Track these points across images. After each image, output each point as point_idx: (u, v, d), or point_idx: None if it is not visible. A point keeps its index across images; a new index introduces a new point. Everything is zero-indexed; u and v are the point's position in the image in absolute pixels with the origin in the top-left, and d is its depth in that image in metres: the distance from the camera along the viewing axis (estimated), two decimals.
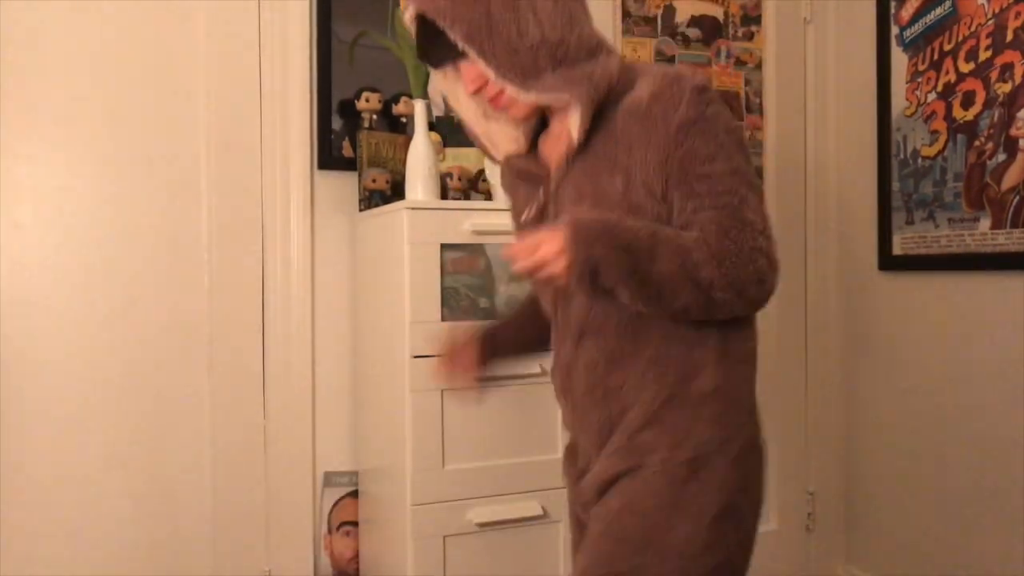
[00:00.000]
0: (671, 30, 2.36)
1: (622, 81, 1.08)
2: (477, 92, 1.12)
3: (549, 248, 0.97)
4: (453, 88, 1.18)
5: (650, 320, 1.08)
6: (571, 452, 1.25)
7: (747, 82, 2.46)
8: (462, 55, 1.10)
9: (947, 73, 2.07)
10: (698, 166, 1.03)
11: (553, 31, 1.06)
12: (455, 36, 1.04)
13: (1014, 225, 1.89)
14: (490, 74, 1.06)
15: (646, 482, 1.08)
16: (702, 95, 1.04)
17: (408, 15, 1.12)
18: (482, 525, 1.66)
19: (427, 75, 1.77)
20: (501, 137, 1.19)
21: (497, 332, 1.35)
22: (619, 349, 1.10)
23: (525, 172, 1.19)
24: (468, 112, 1.18)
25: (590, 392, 1.13)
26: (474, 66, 1.09)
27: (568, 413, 1.20)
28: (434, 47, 1.14)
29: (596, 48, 1.10)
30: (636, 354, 1.09)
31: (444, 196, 1.88)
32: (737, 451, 1.09)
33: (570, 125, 1.09)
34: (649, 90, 1.06)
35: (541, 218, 1.15)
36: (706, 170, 1.03)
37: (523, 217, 1.20)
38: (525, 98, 1.07)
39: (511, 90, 1.07)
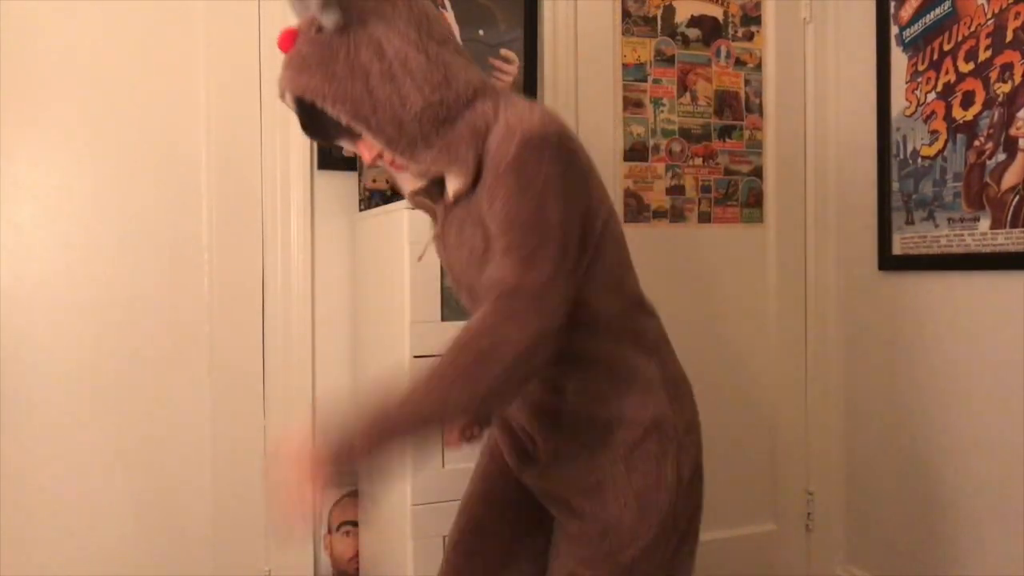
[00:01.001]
0: (671, 30, 2.36)
1: (490, 127, 1.06)
2: (374, 162, 1.15)
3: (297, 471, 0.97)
4: (350, 148, 1.23)
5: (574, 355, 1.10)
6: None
7: (747, 82, 2.46)
8: (349, 130, 1.13)
9: (947, 73, 2.07)
10: (496, 209, 1.02)
11: (433, 92, 1.05)
12: (340, 116, 1.03)
13: (1014, 225, 1.89)
14: (380, 147, 1.08)
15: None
16: (526, 145, 1.01)
17: (287, 98, 1.10)
18: None
19: None
20: (404, 181, 1.22)
21: None
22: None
23: (422, 207, 1.21)
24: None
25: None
26: (365, 140, 1.12)
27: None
28: (319, 124, 1.16)
29: (473, 96, 1.07)
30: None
31: None
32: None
33: (448, 187, 1.12)
34: (496, 140, 1.03)
35: (440, 249, 1.19)
36: (498, 214, 1.01)
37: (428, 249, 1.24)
38: (415, 170, 1.11)
39: (400, 160, 1.08)
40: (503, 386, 0.97)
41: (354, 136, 1.17)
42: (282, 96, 1.10)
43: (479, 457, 1.38)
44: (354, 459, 0.96)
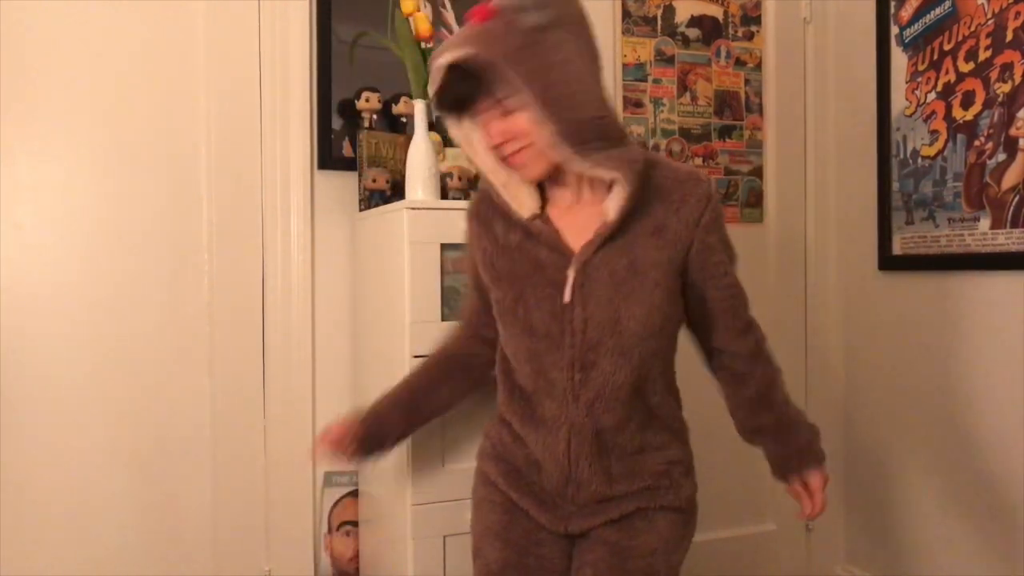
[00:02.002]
0: (671, 30, 2.36)
1: (646, 169, 1.16)
2: (498, 147, 1.14)
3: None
4: (468, 137, 1.21)
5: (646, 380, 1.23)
6: (520, 468, 1.29)
7: (747, 82, 2.46)
8: (486, 107, 1.13)
9: (947, 73, 2.07)
10: (715, 260, 1.25)
11: (602, 110, 1.14)
12: (525, 91, 1.07)
13: (1014, 225, 1.89)
14: (545, 131, 1.09)
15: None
16: (714, 202, 1.22)
17: (445, 59, 1.13)
18: None
19: (427, 75, 1.77)
20: (521, 192, 1.22)
21: (383, 417, 1.40)
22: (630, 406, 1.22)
23: (548, 242, 1.21)
24: (486, 162, 1.21)
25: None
26: (501, 121, 1.13)
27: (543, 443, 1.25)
28: (454, 97, 1.17)
29: (623, 134, 1.17)
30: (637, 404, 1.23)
31: (444, 196, 1.88)
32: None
33: (608, 205, 1.15)
34: (673, 178, 1.19)
35: (573, 295, 1.18)
36: (721, 266, 1.27)
37: (551, 297, 1.20)
38: (578, 166, 1.12)
39: (562, 153, 1.10)
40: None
41: (486, 114, 1.16)
42: (438, 58, 1.13)
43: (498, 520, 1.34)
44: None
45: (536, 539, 1.27)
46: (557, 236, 1.20)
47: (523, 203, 1.22)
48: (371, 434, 1.38)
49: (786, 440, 1.33)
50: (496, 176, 1.22)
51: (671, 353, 1.29)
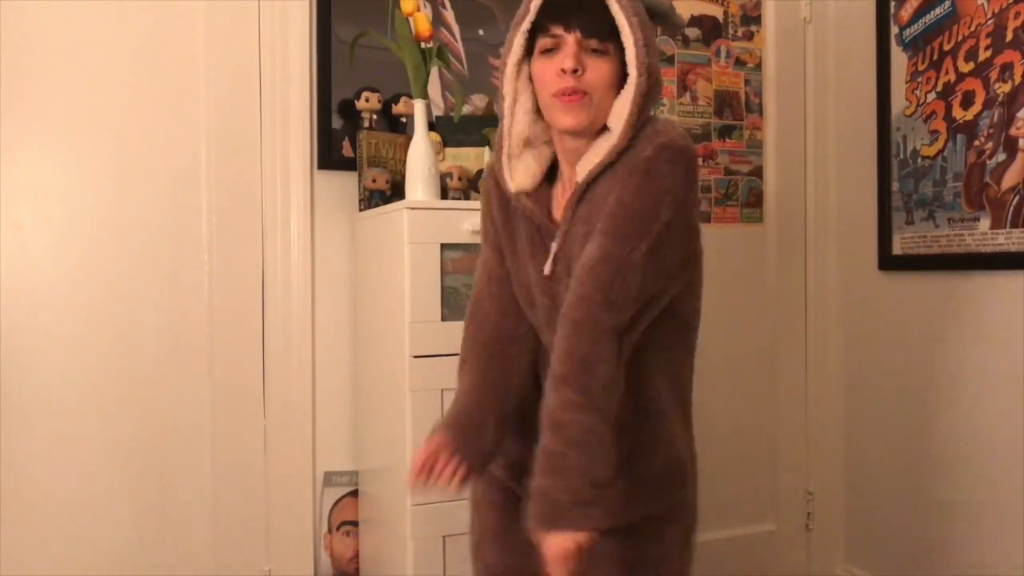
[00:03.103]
0: (671, 30, 2.36)
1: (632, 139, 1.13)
2: (571, 72, 1.11)
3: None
4: (516, 91, 1.19)
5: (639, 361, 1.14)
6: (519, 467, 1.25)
7: (747, 82, 2.46)
8: (573, 40, 1.12)
9: (947, 73, 2.07)
10: (613, 204, 1.09)
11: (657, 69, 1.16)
12: (634, 30, 1.10)
13: (1014, 225, 1.89)
14: (634, 60, 1.10)
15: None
16: (664, 151, 1.09)
17: None
18: None
19: (427, 75, 1.77)
20: (520, 166, 1.21)
21: (470, 430, 1.23)
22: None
23: (533, 217, 1.21)
24: (520, 122, 1.20)
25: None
26: (586, 56, 1.11)
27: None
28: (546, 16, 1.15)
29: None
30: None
31: (444, 196, 1.88)
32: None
33: (579, 167, 1.15)
34: (644, 153, 1.10)
35: (554, 267, 1.18)
36: (613, 209, 1.09)
37: (541, 269, 1.20)
38: (628, 106, 1.10)
39: (639, 88, 1.10)
40: (594, 387, 1.05)
41: (569, 45, 1.13)
42: None
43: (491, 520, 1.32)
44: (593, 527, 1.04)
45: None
46: (542, 211, 1.20)
47: (516, 179, 1.21)
48: (475, 455, 1.24)
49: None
50: (511, 140, 1.20)
51: (670, 340, 1.19)
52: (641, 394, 1.16)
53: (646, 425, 1.18)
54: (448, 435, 1.22)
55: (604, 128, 1.15)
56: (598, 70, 1.12)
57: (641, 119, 1.12)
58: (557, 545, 1.02)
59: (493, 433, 1.24)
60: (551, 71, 1.13)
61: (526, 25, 1.15)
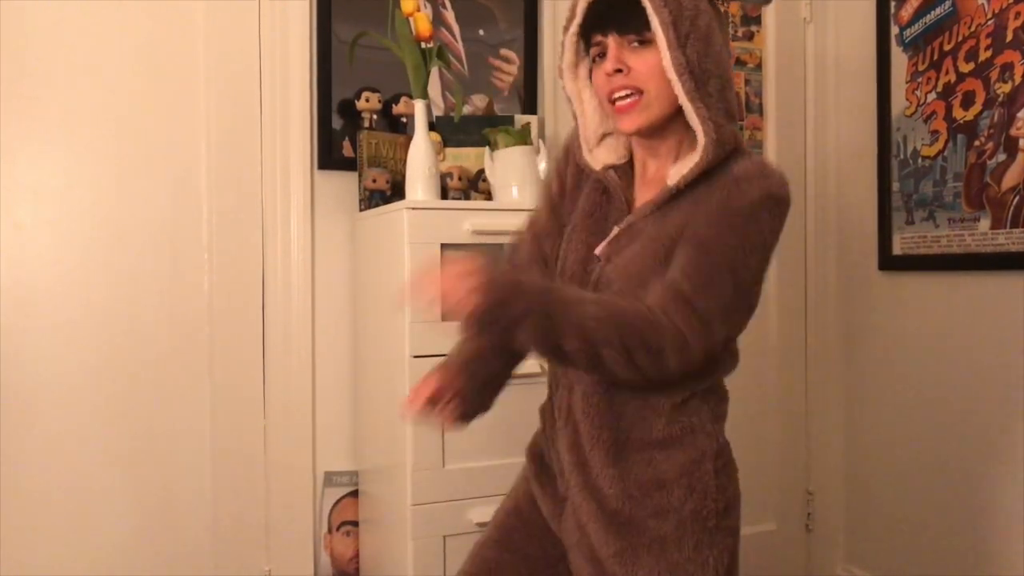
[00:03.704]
0: None
1: (733, 153, 1.12)
2: (612, 76, 1.11)
3: (462, 284, 0.97)
4: (580, 92, 1.20)
5: None
6: (542, 460, 1.27)
7: (747, 82, 2.46)
8: (616, 42, 1.10)
9: (947, 73, 2.07)
10: (704, 239, 1.08)
11: (728, 88, 1.11)
12: (673, 34, 1.06)
13: (1014, 225, 1.89)
14: (669, 62, 1.07)
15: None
16: (770, 200, 1.11)
17: None
18: (482, 525, 1.65)
19: (427, 75, 1.77)
20: (601, 150, 1.21)
21: (480, 377, 1.23)
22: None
23: (614, 192, 1.19)
24: (591, 121, 1.20)
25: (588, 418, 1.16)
26: (629, 52, 1.10)
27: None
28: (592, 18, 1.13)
29: (736, 112, 1.15)
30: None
31: (444, 196, 1.88)
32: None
33: (672, 171, 1.12)
34: (741, 171, 1.10)
35: (605, 249, 1.16)
36: (703, 240, 1.08)
37: (590, 244, 1.18)
38: (686, 104, 1.08)
39: (684, 87, 1.07)
40: (630, 357, 1.02)
41: (615, 46, 1.12)
42: None
43: (504, 503, 1.34)
44: (505, 312, 0.99)
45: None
46: (626, 191, 1.19)
47: (600, 158, 1.21)
48: (477, 386, 1.22)
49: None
50: (592, 136, 1.21)
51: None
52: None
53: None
54: (460, 377, 1.21)
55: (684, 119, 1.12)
56: (644, 61, 1.10)
57: (720, 124, 1.09)
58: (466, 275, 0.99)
59: (501, 382, 1.27)
60: (601, 77, 1.13)
61: (573, 28, 1.16)
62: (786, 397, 2.49)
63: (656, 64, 1.09)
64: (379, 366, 1.85)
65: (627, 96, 1.11)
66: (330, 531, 2.06)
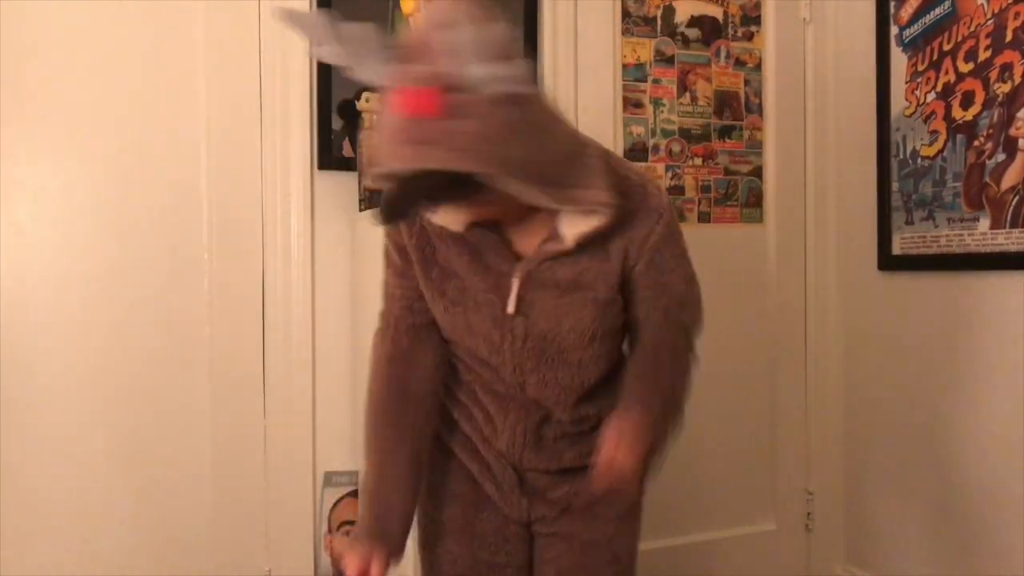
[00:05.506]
0: (671, 30, 2.36)
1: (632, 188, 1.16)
2: (499, 218, 1.12)
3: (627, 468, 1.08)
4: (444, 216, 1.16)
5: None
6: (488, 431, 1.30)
7: (747, 82, 2.46)
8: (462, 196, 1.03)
9: (946, 73, 2.07)
10: (664, 271, 1.20)
11: (570, 149, 1.08)
12: (500, 182, 0.97)
13: (1013, 225, 1.89)
14: (527, 197, 1.01)
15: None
16: (666, 216, 1.18)
17: (397, 166, 0.97)
18: None
19: None
20: (450, 214, 1.14)
21: (391, 524, 1.25)
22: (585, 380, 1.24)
23: (492, 247, 1.16)
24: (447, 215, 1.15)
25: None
26: (476, 204, 1.05)
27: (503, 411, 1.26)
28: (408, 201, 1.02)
29: (581, 147, 1.11)
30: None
31: None
32: None
33: (566, 232, 1.11)
34: (626, 191, 1.13)
35: (517, 306, 1.15)
36: (667, 278, 1.20)
37: (501, 306, 1.17)
38: (558, 209, 1.08)
39: (544, 201, 1.03)
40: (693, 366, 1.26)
41: (470, 200, 1.05)
42: (378, 168, 1.00)
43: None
44: (660, 456, 1.18)
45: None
46: (501, 242, 1.15)
47: (446, 218, 1.14)
48: (396, 539, 1.25)
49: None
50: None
51: (617, 352, 1.27)
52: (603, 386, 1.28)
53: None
54: (375, 544, 1.22)
55: None
56: (492, 202, 1.07)
57: (599, 188, 1.07)
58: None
59: (412, 506, 1.28)
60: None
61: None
62: (786, 397, 2.49)
63: (509, 194, 1.00)
64: None
65: (492, 214, 1.11)
66: (330, 531, 2.06)
